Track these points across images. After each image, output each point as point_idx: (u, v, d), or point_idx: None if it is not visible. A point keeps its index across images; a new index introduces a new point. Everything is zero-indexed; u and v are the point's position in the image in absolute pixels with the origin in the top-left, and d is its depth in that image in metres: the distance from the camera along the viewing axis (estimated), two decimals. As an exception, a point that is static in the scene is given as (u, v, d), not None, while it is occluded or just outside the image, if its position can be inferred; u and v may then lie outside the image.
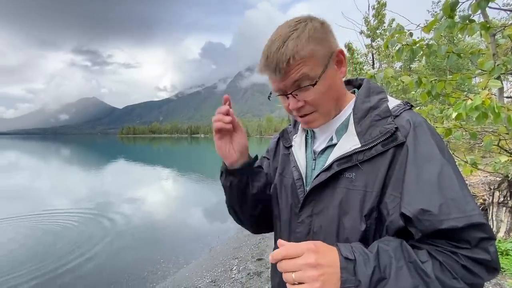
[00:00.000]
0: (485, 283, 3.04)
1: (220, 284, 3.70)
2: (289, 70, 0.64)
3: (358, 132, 0.66)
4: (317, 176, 0.69)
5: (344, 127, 0.71)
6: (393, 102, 0.70)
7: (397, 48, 1.88)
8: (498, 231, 3.84)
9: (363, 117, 0.68)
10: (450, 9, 1.64)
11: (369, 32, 7.10)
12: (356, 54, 7.19)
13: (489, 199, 4.15)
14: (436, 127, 1.93)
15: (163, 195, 10.68)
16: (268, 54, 0.64)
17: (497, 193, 3.96)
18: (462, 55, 1.76)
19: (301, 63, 0.63)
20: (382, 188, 0.62)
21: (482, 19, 1.81)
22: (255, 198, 0.82)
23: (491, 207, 4.03)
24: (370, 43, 7.37)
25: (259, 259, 4.28)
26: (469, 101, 1.42)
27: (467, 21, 1.70)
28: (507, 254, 3.34)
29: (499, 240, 3.60)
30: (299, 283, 0.52)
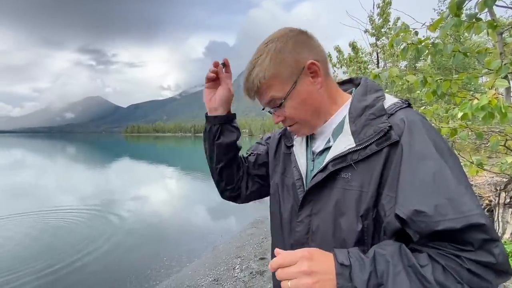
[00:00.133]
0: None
1: (223, 282, 3.71)
2: (260, 94, 0.72)
3: (353, 131, 0.66)
4: (314, 176, 0.71)
5: (340, 127, 0.71)
6: (390, 100, 0.69)
7: (402, 47, 1.86)
8: (504, 233, 3.79)
9: (358, 116, 0.67)
10: (457, 7, 1.62)
11: (373, 31, 7.05)
12: (360, 53, 7.14)
13: (495, 200, 4.10)
14: (442, 127, 1.90)
15: (166, 194, 10.74)
16: (243, 82, 0.73)
17: (503, 194, 3.91)
18: (468, 54, 1.74)
19: (267, 87, 0.70)
20: (378, 188, 0.61)
21: (489, 17, 1.78)
22: (220, 152, 0.90)
23: (497, 208, 3.98)
24: (374, 42, 7.32)
25: (261, 258, 4.28)
26: (476, 101, 1.40)
27: (474, 20, 1.68)
28: (513, 256, 3.29)
29: (505, 242, 3.55)
30: None
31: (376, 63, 7.76)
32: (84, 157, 29.02)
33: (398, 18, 6.75)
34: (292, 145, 0.84)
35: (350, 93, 0.79)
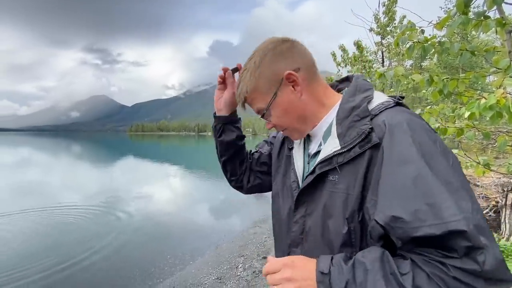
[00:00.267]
0: None
1: (226, 281, 3.72)
2: (250, 105, 0.78)
3: (339, 134, 0.66)
4: (305, 179, 0.73)
5: (329, 130, 0.71)
6: (378, 100, 0.67)
7: (408, 45, 1.83)
8: (511, 234, 3.74)
9: (345, 118, 0.67)
10: (464, 5, 1.59)
11: (379, 30, 6.99)
12: (365, 52, 7.08)
13: (502, 201, 4.04)
14: (448, 126, 1.87)
15: (170, 192, 10.80)
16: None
17: (510, 195, 3.85)
18: (476, 52, 1.71)
19: (251, 100, 0.76)
20: (362, 191, 0.61)
21: (497, 15, 1.75)
22: (222, 148, 1.00)
23: (504, 209, 3.92)
24: (380, 40, 7.25)
25: (264, 257, 4.28)
26: (483, 100, 1.37)
27: (482, 17, 1.65)
28: (520, 258, 3.24)
29: (512, 244, 3.50)
30: None
31: (381, 62, 7.69)
32: (89, 155, 29.32)
33: (404, 17, 6.68)
34: (293, 147, 0.86)
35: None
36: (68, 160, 23.71)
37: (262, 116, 0.76)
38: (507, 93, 1.45)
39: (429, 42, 1.77)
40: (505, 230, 3.84)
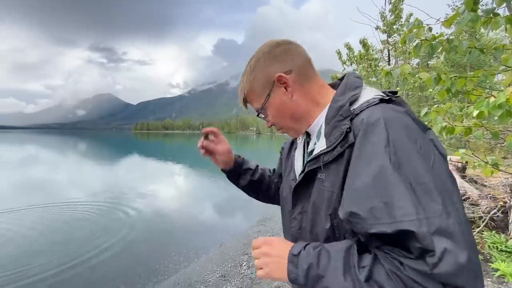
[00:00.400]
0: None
1: (230, 279, 3.73)
2: (250, 104, 0.83)
3: (326, 133, 0.69)
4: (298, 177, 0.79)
5: (321, 129, 0.74)
6: (365, 97, 0.67)
7: (415, 43, 1.81)
8: (518, 235, 3.68)
9: (333, 117, 0.68)
10: (473, 2, 1.57)
11: (385, 28, 6.92)
12: (371, 50, 7.03)
13: (510, 201, 3.98)
14: (455, 125, 1.85)
15: (175, 190, 10.87)
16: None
17: (518, 196, 3.79)
18: (485, 50, 1.68)
19: (249, 100, 0.82)
20: (342, 189, 0.63)
21: (507, 13, 1.72)
22: (247, 190, 1.10)
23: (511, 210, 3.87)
24: (386, 38, 7.19)
25: (269, 256, 4.30)
26: (492, 99, 1.35)
27: (491, 15, 1.62)
28: (528, 260, 3.20)
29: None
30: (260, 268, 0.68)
31: (387, 60, 7.62)
32: (95, 153, 29.62)
33: (411, 14, 6.61)
34: (297, 147, 0.90)
35: None
36: (75, 157, 23.99)
37: (258, 115, 0.82)
38: (517, 91, 1.42)
39: (437, 40, 1.75)
40: (513, 231, 3.78)
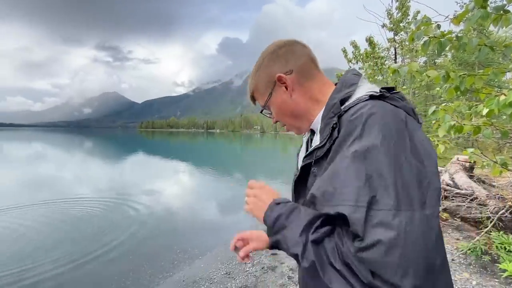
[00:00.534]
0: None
1: (235, 276, 3.75)
2: (255, 101, 0.89)
3: (320, 129, 0.72)
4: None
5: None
6: (358, 94, 0.69)
7: (423, 41, 1.79)
8: (527, 236, 3.62)
9: (327, 114, 0.72)
10: (483, -1, 1.54)
11: (392, 25, 6.84)
12: (377, 48, 6.96)
13: (518, 202, 3.92)
14: (464, 124, 1.83)
15: (180, 188, 10.94)
16: None
17: (527, 196, 3.73)
18: (495, 48, 1.66)
19: (256, 98, 0.88)
20: None
21: (518, 9, 1.69)
22: None
23: (520, 210, 3.81)
24: (392, 36, 7.11)
25: (273, 254, 4.30)
26: (503, 97, 1.33)
27: (502, 12, 1.59)
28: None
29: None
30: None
31: (393, 58, 7.54)
32: (101, 151, 29.94)
33: (418, 12, 6.52)
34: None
35: None
36: (81, 155, 24.28)
37: (261, 112, 0.89)
38: (527, 89, 1.40)
39: (445, 37, 1.73)
40: (521, 231, 3.73)
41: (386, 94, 0.66)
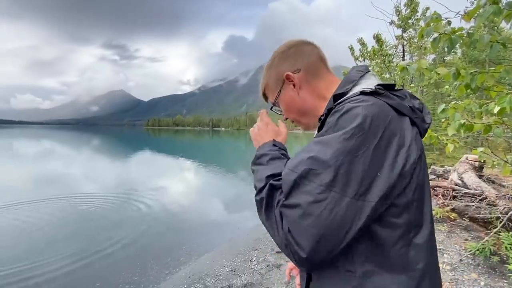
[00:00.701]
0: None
1: (240, 273, 3.77)
2: (267, 99, 0.94)
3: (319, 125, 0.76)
4: None
5: None
6: (354, 90, 0.70)
7: (433, 37, 1.76)
8: (538, 237, 3.55)
9: (326, 111, 0.74)
10: (496, -5, 1.51)
11: (400, 22, 6.74)
12: (385, 46, 6.87)
13: (529, 202, 3.84)
14: (475, 123, 1.80)
15: (186, 185, 11.02)
16: None
17: (539, 196, 3.65)
18: (507, 44, 1.62)
19: (267, 95, 0.93)
20: None
21: (532, 5, 1.64)
22: None
23: (531, 211, 3.73)
24: (401, 34, 7.01)
25: (278, 252, 4.30)
26: (515, 95, 1.31)
27: (515, 8, 1.55)
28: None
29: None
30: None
31: (401, 56, 7.44)
32: (109, 148, 30.33)
33: (428, 8, 6.41)
34: None
35: None
36: (89, 152, 24.64)
37: (271, 109, 0.94)
38: (541, 87, 1.37)
39: (456, 34, 1.69)
40: (532, 232, 3.65)
41: (381, 91, 0.65)
